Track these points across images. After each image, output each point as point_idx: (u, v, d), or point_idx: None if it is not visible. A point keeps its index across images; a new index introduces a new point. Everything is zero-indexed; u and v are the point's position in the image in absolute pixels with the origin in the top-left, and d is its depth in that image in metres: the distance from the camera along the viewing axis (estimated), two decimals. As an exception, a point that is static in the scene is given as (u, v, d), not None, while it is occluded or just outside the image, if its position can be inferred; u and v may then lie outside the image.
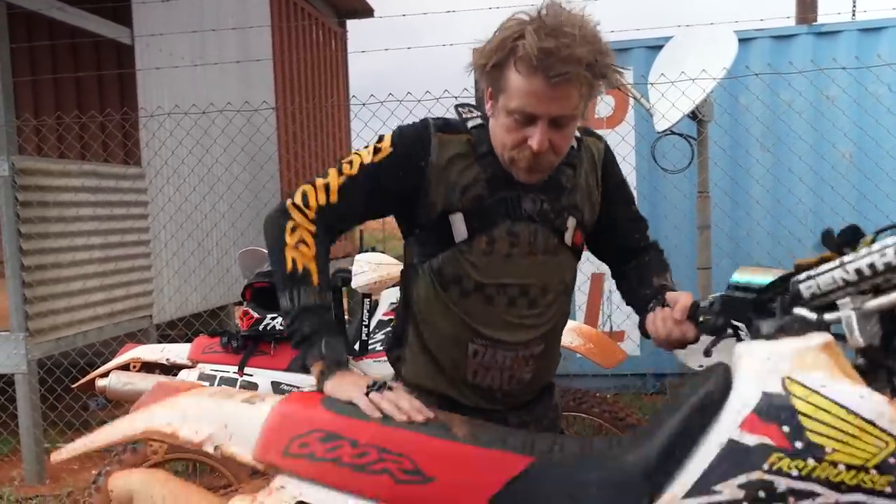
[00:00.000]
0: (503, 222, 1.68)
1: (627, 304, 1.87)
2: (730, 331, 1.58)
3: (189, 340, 3.12)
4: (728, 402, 1.36)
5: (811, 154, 5.42)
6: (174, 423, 1.56)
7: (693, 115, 4.50)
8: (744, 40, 5.22)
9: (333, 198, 1.66)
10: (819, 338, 1.39)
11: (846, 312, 1.41)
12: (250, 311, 3.03)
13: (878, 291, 1.41)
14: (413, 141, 1.67)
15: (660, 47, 5.26)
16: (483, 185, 1.67)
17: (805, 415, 1.32)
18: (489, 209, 1.67)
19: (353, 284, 2.98)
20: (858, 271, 1.40)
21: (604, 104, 5.64)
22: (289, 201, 1.69)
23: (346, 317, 3.25)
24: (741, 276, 1.58)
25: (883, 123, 5.27)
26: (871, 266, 1.39)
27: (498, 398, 1.77)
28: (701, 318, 1.58)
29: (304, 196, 1.67)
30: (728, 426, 1.35)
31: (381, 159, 1.66)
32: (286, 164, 8.08)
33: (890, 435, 1.29)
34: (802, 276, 1.48)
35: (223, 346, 3.03)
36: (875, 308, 1.40)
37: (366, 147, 1.71)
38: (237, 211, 6.59)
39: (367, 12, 10.97)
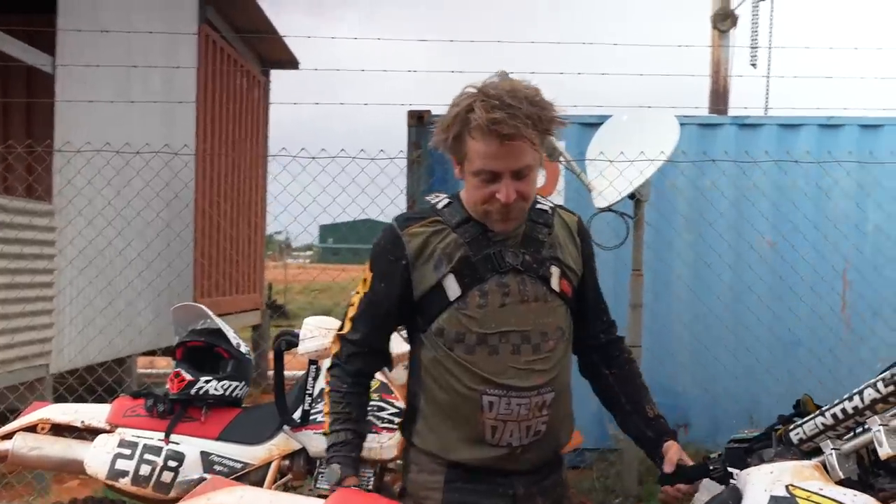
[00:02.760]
0: (492, 276, 1.84)
1: (618, 423, 2.04)
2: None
3: (88, 394, 2.82)
4: None
5: (733, 237, 5.59)
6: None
7: (632, 195, 4.55)
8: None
9: (355, 335, 1.92)
10: (811, 461, 1.72)
11: (828, 452, 1.71)
12: (182, 371, 2.77)
13: (854, 434, 1.73)
14: (385, 251, 1.87)
15: (592, 125, 5.34)
16: (466, 248, 1.84)
17: None
18: (476, 266, 1.83)
19: (300, 350, 2.78)
20: (834, 416, 1.75)
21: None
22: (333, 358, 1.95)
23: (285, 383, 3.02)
24: (737, 435, 1.98)
25: (800, 212, 5.51)
26: (843, 411, 1.73)
27: (517, 455, 1.85)
28: (711, 467, 1.90)
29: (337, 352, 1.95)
30: None
31: (370, 286, 1.89)
32: (202, 212, 7.74)
33: None
34: (791, 425, 1.85)
35: (148, 409, 2.76)
36: (851, 449, 1.70)
37: (359, 282, 1.95)
38: (146, 260, 6.19)
39: (292, 63, 10.87)
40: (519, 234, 1.86)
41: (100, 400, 4.94)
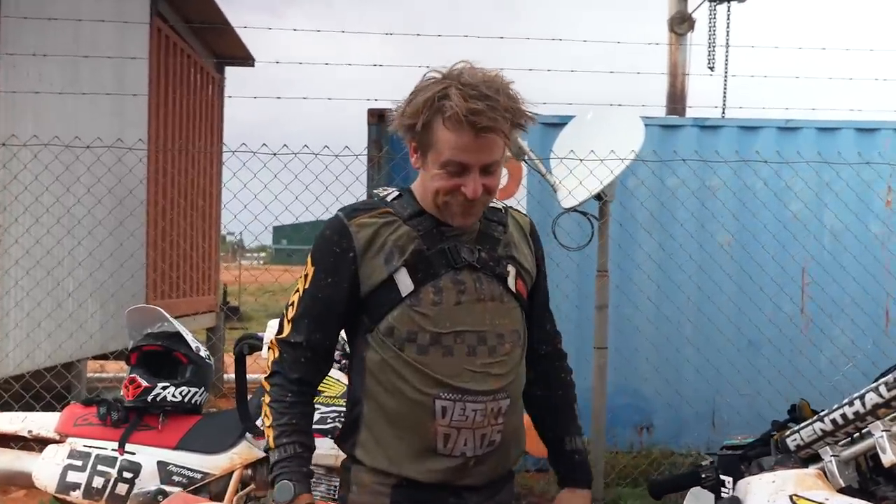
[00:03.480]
0: (446, 272, 1.71)
1: (535, 426, 1.94)
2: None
3: (36, 401, 2.65)
4: None
5: (693, 240, 5.60)
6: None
7: (598, 195, 4.50)
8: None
9: (298, 338, 1.73)
10: (813, 468, 1.67)
11: (827, 460, 1.68)
12: (137, 377, 2.62)
13: (852, 440, 1.68)
14: (330, 242, 1.72)
15: (555, 125, 5.30)
16: (419, 241, 1.71)
17: None
18: (431, 260, 1.71)
19: (264, 353, 2.64)
20: (833, 421, 1.69)
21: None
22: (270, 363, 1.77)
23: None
24: (730, 441, 1.94)
25: (759, 217, 5.54)
26: (843, 416, 1.68)
27: (469, 467, 1.72)
28: (703, 475, 1.85)
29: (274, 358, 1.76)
30: None
31: (312, 281, 1.73)
32: (155, 210, 7.47)
33: None
34: (787, 431, 1.79)
35: (101, 417, 2.60)
36: (850, 456, 1.65)
37: (298, 281, 1.79)
38: (98, 259, 5.93)
39: (247, 59, 10.64)
40: (475, 230, 1.76)
41: (48, 407, 4.72)
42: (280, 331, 1.77)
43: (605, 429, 4.89)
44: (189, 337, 2.73)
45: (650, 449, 5.73)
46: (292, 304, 1.76)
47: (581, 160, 4.44)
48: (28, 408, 4.83)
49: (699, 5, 8.64)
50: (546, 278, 1.92)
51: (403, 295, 1.69)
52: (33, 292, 5.54)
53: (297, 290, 1.76)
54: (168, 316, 2.72)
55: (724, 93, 7.90)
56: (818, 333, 5.69)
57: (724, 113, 8.00)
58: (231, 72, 10.90)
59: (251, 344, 2.68)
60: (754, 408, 5.68)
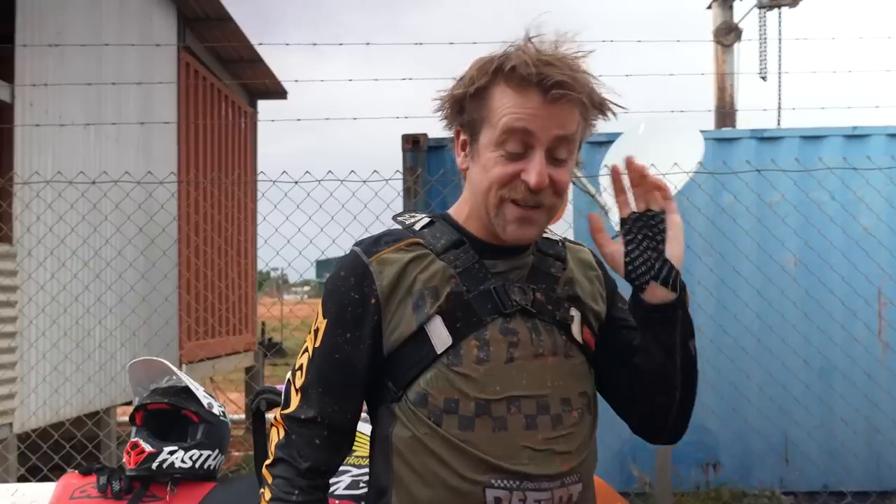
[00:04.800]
0: (493, 319, 1.33)
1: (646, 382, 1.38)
2: None
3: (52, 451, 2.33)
4: None
5: (757, 258, 5.20)
6: None
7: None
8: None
9: (309, 412, 1.35)
10: None
11: None
12: (140, 441, 2.30)
13: None
14: (346, 287, 1.35)
15: (600, 143, 4.95)
16: (457, 281, 1.34)
17: None
18: (472, 305, 1.33)
19: (283, 410, 2.31)
20: None
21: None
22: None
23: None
24: None
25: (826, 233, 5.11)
26: None
27: None
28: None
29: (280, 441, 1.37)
30: None
31: (324, 339, 1.36)
32: (187, 246, 7.23)
33: None
34: None
35: (101, 489, 2.28)
36: None
37: (306, 338, 1.41)
38: (129, 305, 5.68)
39: (280, 94, 10.52)
40: (526, 265, 1.38)
41: (69, 459, 4.47)
42: (286, 404, 1.38)
43: (669, 468, 4.53)
44: (200, 392, 2.41)
45: (719, 489, 5.31)
46: (300, 368, 1.37)
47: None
48: (46, 460, 4.58)
49: (748, 12, 8.23)
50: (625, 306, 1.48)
51: (439, 351, 1.31)
52: (60, 343, 5.29)
53: (306, 350, 1.38)
54: (175, 369, 2.40)
55: (779, 103, 7.45)
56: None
57: (779, 117, 7.55)
58: (265, 106, 10.80)
59: (269, 399, 2.34)
60: (829, 441, 5.27)
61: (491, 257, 1.36)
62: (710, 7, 9.05)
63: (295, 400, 1.36)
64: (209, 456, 2.38)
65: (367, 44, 5.44)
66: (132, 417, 2.41)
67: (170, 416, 2.38)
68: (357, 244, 1.38)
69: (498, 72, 1.29)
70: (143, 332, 5.92)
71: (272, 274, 31.46)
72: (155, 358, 2.43)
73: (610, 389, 1.45)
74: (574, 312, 1.39)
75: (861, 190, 5.20)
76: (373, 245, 1.36)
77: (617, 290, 1.49)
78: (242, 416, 8.61)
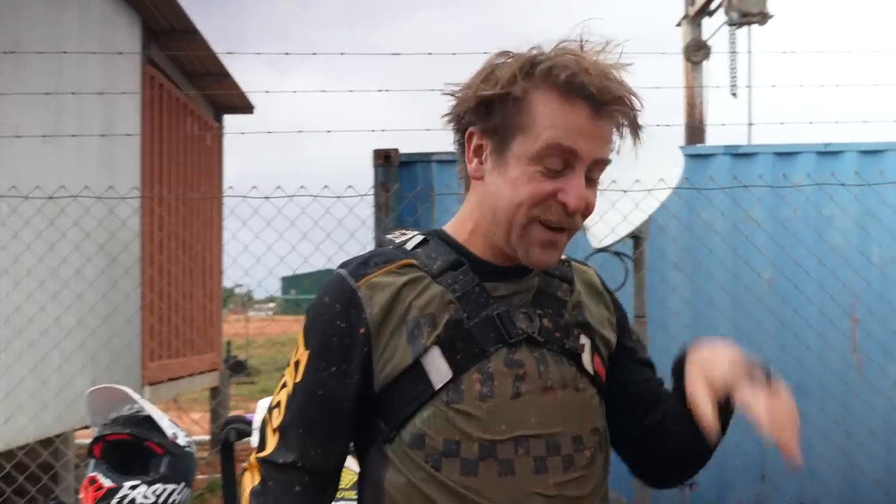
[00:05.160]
0: (497, 349, 1.19)
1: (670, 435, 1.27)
2: None
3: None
4: None
5: (729, 277, 5.17)
6: None
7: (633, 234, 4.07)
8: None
9: (289, 456, 1.20)
10: None
11: None
12: (98, 476, 2.13)
13: None
14: (331, 315, 1.20)
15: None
16: (456, 307, 1.20)
17: None
18: (473, 334, 1.19)
19: (255, 442, 2.16)
20: None
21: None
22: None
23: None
24: None
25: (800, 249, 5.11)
26: None
27: None
28: None
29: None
30: None
31: (306, 373, 1.21)
32: (151, 264, 7.01)
33: None
34: None
35: (55, 528, 2.12)
36: None
37: (285, 372, 1.25)
38: (89, 327, 5.43)
39: (247, 108, 10.35)
40: (531, 288, 1.25)
41: (34, 480, 4.26)
42: (261, 446, 1.23)
43: (649, 490, 4.46)
44: (164, 421, 2.26)
45: (693, 508, 5.24)
46: (277, 405, 1.22)
47: (625, 191, 3.98)
48: (9, 481, 4.35)
49: (717, 30, 8.28)
50: (637, 341, 1.39)
51: (437, 387, 1.17)
52: (14, 367, 5.03)
53: (285, 386, 1.23)
54: (137, 396, 2.25)
55: (749, 118, 7.48)
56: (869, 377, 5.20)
57: (749, 132, 7.57)
58: (231, 121, 10.63)
59: (238, 429, 2.21)
60: (805, 458, 5.21)
61: (492, 279, 1.23)
62: (679, 24, 9.10)
63: (272, 441, 1.21)
64: (174, 490, 2.22)
65: (342, 53, 5.33)
66: (90, 450, 2.25)
67: (131, 447, 2.22)
68: (343, 266, 1.24)
69: (546, 76, 1.14)
70: (104, 355, 5.68)
71: (237, 290, 31.11)
72: (115, 385, 2.27)
73: (612, 427, 1.32)
74: (584, 340, 1.27)
75: (833, 205, 5.19)
76: (361, 267, 1.22)
77: (627, 320, 1.39)
78: (207, 437, 8.38)
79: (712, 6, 8.73)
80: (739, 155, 5.54)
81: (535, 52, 1.17)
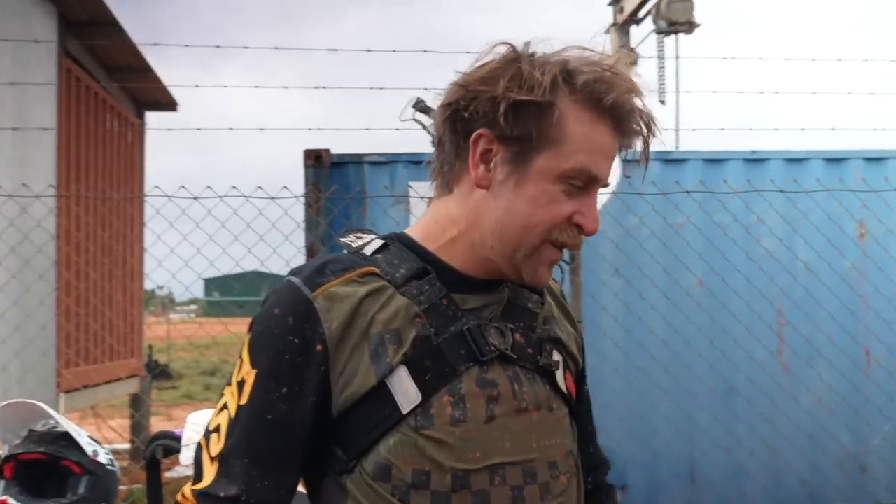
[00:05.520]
0: (469, 368, 1.08)
1: None
2: None
3: None
4: None
5: (663, 281, 5.22)
6: None
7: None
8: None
9: (231, 489, 1.05)
10: None
11: None
12: (9, 500, 1.97)
13: None
14: (282, 330, 1.06)
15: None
16: (423, 322, 1.08)
17: None
18: (442, 351, 1.08)
19: (183, 458, 2.02)
20: None
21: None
22: None
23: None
24: None
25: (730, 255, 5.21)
26: None
27: None
28: None
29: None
30: None
31: (252, 394, 1.07)
32: (71, 268, 6.67)
33: None
34: None
35: (-40, 556, 1.94)
36: None
37: (224, 391, 1.11)
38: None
39: (170, 105, 10.00)
40: (501, 300, 1.15)
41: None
42: (198, 477, 1.09)
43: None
44: (83, 438, 2.10)
45: (626, 511, 5.27)
46: (216, 430, 1.08)
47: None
48: None
49: (644, 38, 8.40)
50: (587, 372, 1.31)
51: (405, 411, 1.05)
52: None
53: (225, 408, 1.09)
54: (52, 412, 2.08)
55: (677, 127, 7.62)
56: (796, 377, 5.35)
57: (678, 139, 7.70)
58: (153, 118, 10.27)
59: (166, 446, 2.06)
60: (734, 459, 5.34)
61: (460, 291, 1.12)
62: (608, 32, 9.20)
63: (210, 472, 1.07)
64: (94, 512, 2.07)
65: (276, 48, 5.18)
66: (0, 470, 2.07)
67: (46, 466, 2.06)
68: (294, 273, 1.10)
69: (585, 90, 1.05)
70: (16, 365, 5.37)
71: (157, 292, 30.26)
72: (28, 400, 2.10)
73: None
74: (557, 356, 1.18)
75: (763, 212, 5.31)
76: (316, 275, 1.08)
77: (583, 341, 1.30)
78: (127, 445, 8.05)
79: (640, 14, 8.86)
80: (670, 161, 5.61)
81: (561, 57, 1.08)
